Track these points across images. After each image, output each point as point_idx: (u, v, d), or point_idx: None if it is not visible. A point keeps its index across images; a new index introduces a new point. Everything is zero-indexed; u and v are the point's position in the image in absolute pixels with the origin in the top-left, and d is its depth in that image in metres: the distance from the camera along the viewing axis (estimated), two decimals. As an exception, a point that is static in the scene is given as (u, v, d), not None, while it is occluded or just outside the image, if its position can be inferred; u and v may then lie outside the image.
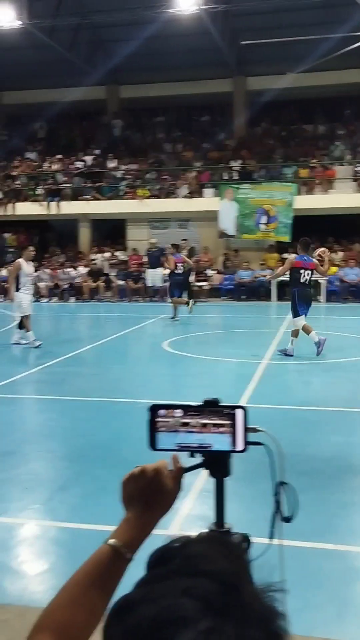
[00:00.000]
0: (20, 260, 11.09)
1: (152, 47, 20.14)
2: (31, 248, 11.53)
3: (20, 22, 17.74)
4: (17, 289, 10.87)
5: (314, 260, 9.78)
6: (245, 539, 1.38)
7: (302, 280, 9.55)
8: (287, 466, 1.41)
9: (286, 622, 0.63)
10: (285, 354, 9.47)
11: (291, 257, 10.06)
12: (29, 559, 3.60)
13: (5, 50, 21.04)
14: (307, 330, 9.45)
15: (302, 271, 9.54)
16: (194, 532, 0.77)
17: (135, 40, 19.32)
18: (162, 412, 1.30)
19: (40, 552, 3.70)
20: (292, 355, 9.43)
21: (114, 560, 0.97)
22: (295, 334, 9.54)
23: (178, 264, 14.77)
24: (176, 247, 15.29)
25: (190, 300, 14.49)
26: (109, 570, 0.97)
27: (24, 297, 10.86)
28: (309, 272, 9.61)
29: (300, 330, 9.49)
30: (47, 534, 3.89)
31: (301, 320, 9.48)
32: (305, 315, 9.58)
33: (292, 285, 9.81)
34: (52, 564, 3.48)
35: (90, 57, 21.10)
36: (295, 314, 9.55)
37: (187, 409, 1.30)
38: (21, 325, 10.91)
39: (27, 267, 11.02)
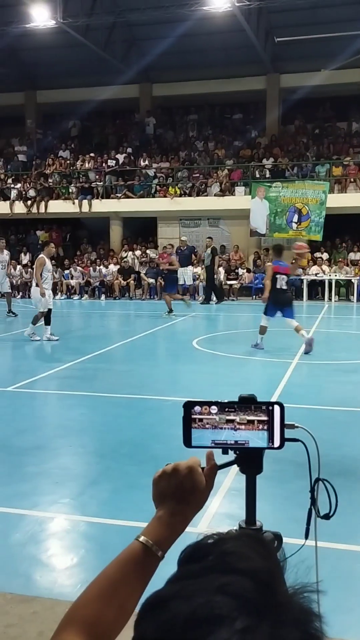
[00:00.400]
0: (43, 256, 11.38)
1: (185, 45, 20.15)
2: (52, 245, 12.01)
3: (55, 22, 17.91)
4: (37, 284, 11.23)
5: (289, 264, 10.14)
6: (277, 537, 1.36)
7: (277, 286, 9.78)
8: (320, 466, 1.39)
9: (322, 624, 0.61)
10: (307, 351, 9.56)
11: (269, 264, 10.34)
12: (58, 553, 3.63)
13: (40, 49, 21.34)
14: (261, 331, 9.84)
15: (277, 276, 9.79)
16: (223, 530, 0.75)
17: (168, 39, 19.36)
18: (197, 408, 1.28)
19: (70, 546, 3.73)
20: (310, 346, 9.57)
21: (144, 558, 0.96)
22: (298, 329, 9.70)
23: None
24: (172, 247, 16.92)
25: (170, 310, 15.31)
26: (140, 567, 0.96)
27: (44, 292, 11.14)
28: (284, 277, 9.88)
29: (297, 329, 9.74)
30: (77, 529, 3.92)
31: (264, 320, 9.83)
32: (291, 317, 9.76)
33: (272, 289, 9.98)
34: (82, 558, 3.50)
35: (123, 56, 21.20)
36: (265, 312, 9.91)
37: (223, 406, 1.28)
38: (48, 321, 11.19)
39: (48, 263, 11.41)
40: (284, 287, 9.88)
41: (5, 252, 15.63)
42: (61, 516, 4.08)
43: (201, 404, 1.28)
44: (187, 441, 1.28)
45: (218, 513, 3.92)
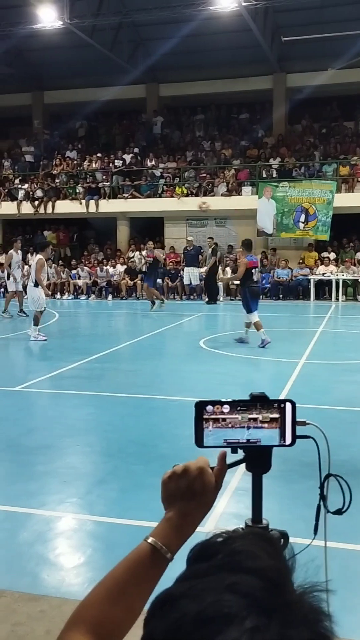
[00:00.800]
0: (42, 257, 11.62)
1: (191, 45, 20.14)
2: (51, 247, 12.71)
3: (61, 22, 17.95)
4: (35, 285, 11.43)
5: (257, 258, 11.09)
6: (283, 535, 1.36)
7: (254, 278, 10.51)
8: (331, 462, 1.38)
9: (332, 623, 0.61)
10: (238, 340, 10.49)
11: (243, 259, 10.74)
12: (66, 552, 3.64)
13: (47, 50, 21.37)
14: (258, 327, 10.22)
15: (253, 270, 10.44)
16: (230, 529, 0.75)
17: (175, 39, 19.35)
18: (209, 408, 1.27)
19: (77, 545, 3.73)
20: (242, 341, 10.50)
21: (153, 559, 0.95)
22: (258, 326, 10.23)
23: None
24: (152, 244, 17.61)
25: (158, 301, 16.26)
26: (148, 568, 0.95)
27: (40, 292, 11.35)
28: (256, 269, 10.78)
29: (253, 324, 10.36)
30: (85, 528, 3.93)
31: (255, 317, 10.26)
32: (256, 309, 10.43)
33: (243, 284, 10.52)
34: (89, 558, 3.51)
35: (130, 56, 21.21)
36: (249, 311, 10.34)
37: (235, 405, 1.27)
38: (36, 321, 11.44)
39: (46, 264, 12.09)
40: (257, 279, 10.68)
41: (20, 252, 15.94)
42: (68, 515, 4.09)
43: (213, 403, 1.27)
44: (199, 441, 1.27)
45: (225, 513, 3.91)
